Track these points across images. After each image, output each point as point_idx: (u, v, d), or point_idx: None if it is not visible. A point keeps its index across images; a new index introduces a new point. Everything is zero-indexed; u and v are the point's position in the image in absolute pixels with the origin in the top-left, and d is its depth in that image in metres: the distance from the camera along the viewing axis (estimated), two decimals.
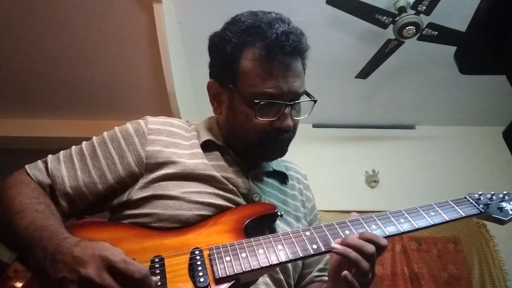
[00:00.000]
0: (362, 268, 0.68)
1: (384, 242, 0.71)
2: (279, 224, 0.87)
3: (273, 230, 0.84)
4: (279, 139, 0.85)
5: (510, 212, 0.81)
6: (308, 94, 0.88)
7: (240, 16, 0.88)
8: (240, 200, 0.85)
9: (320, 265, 0.97)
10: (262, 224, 0.82)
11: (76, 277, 0.57)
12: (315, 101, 0.89)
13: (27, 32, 2.45)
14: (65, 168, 0.82)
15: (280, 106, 0.83)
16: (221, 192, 0.83)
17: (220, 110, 0.91)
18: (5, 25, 2.39)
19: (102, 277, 0.56)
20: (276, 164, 0.98)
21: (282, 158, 1.03)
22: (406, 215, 0.78)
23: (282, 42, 0.80)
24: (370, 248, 0.69)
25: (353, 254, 0.68)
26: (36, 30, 2.43)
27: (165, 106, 2.75)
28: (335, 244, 0.70)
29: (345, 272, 0.69)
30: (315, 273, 0.95)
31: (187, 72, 3.00)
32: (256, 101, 0.80)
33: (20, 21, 2.36)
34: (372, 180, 3.41)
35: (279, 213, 0.84)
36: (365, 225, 0.76)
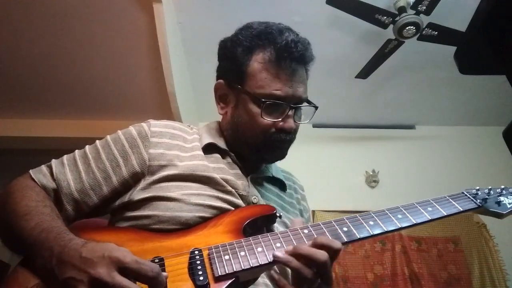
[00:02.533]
0: (304, 276, 0.67)
1: (338, 245, 0.69)
2: (278, 227, 0.87)
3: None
4: (281, 140, 0.88)
5: (508, 206, 0.80)
6: (309, 102, 0.93)
7: (252, 24, 0.94)
8: (239, 202, 0.85)
9: None
10: (261, 225, 0.82)
11: (86, 278, 0.57)
12: (316, 108, 0.94)
13: (26, 32, 2.45)
14: (69, 172, 0.83)
15: (285, 108, 0.87)
16: (220, 194, 0.84)
17: (226, 111, 0.95)
18: (5, 25, 2.39)
19: (113, 277, 0.57)
20: (275, 171, 1.00)
21: (281, 168, 1.06)
22: (403, 211, 0.79)
23: (291, 48, 0.85)
24: (321, 255, 0.67)
25: (294, 263, 0.67)
26: (35, 30, 2.44)
27: (165, 106, 2.76)
28: (277, 253, 0.69)
29: (277, 277, 0.75)
30: None
31: (187, 72, 3.00)
32: (263, 100, 0.85)
33: (19, 21, 2.37)
34: (372, 180, 3.42)
35: (278, 214, 0.85)
36: (363, 221, 0.76)
